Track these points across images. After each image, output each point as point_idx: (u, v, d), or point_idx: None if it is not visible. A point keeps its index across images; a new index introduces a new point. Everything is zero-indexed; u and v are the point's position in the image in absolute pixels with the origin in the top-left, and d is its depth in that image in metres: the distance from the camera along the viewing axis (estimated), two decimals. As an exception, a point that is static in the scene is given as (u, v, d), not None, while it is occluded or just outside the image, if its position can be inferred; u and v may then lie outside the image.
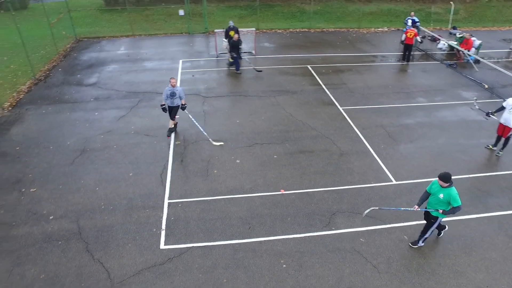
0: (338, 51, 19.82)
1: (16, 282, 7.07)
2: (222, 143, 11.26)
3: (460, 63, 18.18)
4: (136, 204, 8.99)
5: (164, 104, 11.55)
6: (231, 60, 16.66)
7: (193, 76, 16.35)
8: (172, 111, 11.58)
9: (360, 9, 25.19)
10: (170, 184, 9.64)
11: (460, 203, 6.99)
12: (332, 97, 14.42)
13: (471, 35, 18.45)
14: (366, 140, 11.62)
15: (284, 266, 7.45)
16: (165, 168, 10.27)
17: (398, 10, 27.55)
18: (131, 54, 19.10)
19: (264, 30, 23.40)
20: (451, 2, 23.84)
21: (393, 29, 24.19)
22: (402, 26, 22.37)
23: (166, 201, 9.09)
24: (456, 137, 11.87)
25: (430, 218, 7.52)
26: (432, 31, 22.24)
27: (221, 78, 16.24)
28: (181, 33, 22.89)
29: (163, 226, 8.35)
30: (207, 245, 7.88)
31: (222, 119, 12.82)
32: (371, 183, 9.76)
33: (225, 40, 17.52)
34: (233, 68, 16.75)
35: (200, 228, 8.31)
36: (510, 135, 10.64)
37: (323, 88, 15.22)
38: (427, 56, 19.32)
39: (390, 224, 8.46)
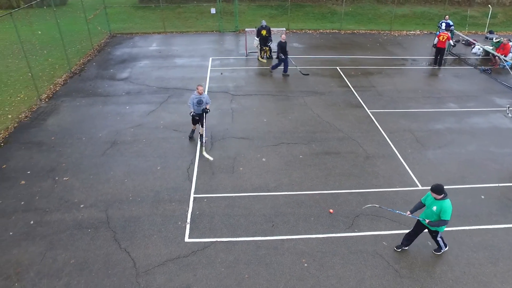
0: (368, 53, 19.61)
1: (48, 265, 7.42)
2: (211, 158, 10.60)
3: (495, 69, 17.65)
4: (163, 197, 9.24)
5: (192, 112, 10.89)
6: (261, 59, 16.64)
7: (221, 74, 16.58)
8: (200, 118, 11.09)
9: (392, 11, 24.78)
10: (196, 179, 9.85)
11: (449, 218, 6.82)
12: (360, 100, 14.32)
13: (509, 40, 17.86)
14: (393, 144, 11.50)
15: (306, 265, 7.51)
16: (192, 163, 10.48)
17: (432, 13, 26.95)
18: (162, 51, 19.53)
19: (294, 30, 23.43)
20: (489, 6, 23.14)
21: (426, 32, 23.69)
22: (435, 29, 21.86)
23: (192, 195, 9.29)
24: (487, 145, 11.57)
25: (424, 228, 7.40)
26: (467, 35, 21.67)
27: (249, 77, 16.38)
28: (212, 31, 23.24)
29: (188, 220, 8.54)
30: (230, 241, 8.03)
31: (249, 117, 12.95)
32: (396, 187, 9.67)
33: (257, 38, 17.68)
34: (280, 69, 16.52)
35: (224, 223, 8.47)
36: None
37: (351, 90, 15.13)
38: (460, 61, 18.82)
39: (414, 229, 8.36)
